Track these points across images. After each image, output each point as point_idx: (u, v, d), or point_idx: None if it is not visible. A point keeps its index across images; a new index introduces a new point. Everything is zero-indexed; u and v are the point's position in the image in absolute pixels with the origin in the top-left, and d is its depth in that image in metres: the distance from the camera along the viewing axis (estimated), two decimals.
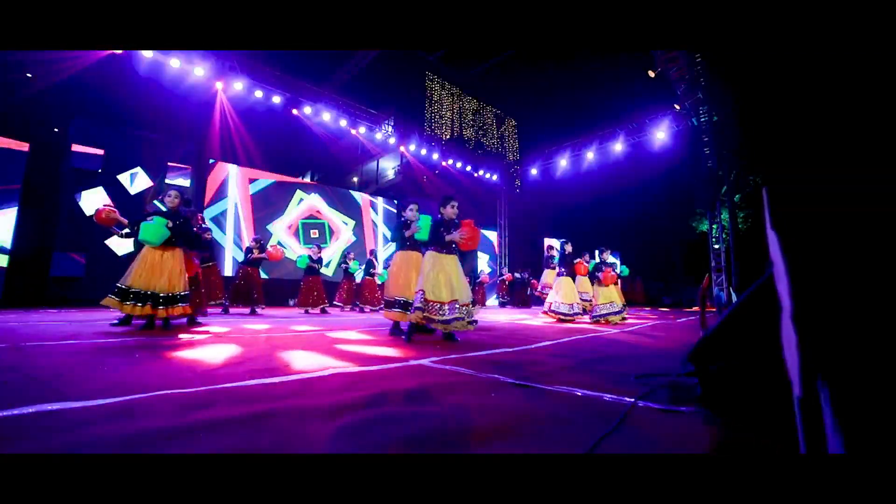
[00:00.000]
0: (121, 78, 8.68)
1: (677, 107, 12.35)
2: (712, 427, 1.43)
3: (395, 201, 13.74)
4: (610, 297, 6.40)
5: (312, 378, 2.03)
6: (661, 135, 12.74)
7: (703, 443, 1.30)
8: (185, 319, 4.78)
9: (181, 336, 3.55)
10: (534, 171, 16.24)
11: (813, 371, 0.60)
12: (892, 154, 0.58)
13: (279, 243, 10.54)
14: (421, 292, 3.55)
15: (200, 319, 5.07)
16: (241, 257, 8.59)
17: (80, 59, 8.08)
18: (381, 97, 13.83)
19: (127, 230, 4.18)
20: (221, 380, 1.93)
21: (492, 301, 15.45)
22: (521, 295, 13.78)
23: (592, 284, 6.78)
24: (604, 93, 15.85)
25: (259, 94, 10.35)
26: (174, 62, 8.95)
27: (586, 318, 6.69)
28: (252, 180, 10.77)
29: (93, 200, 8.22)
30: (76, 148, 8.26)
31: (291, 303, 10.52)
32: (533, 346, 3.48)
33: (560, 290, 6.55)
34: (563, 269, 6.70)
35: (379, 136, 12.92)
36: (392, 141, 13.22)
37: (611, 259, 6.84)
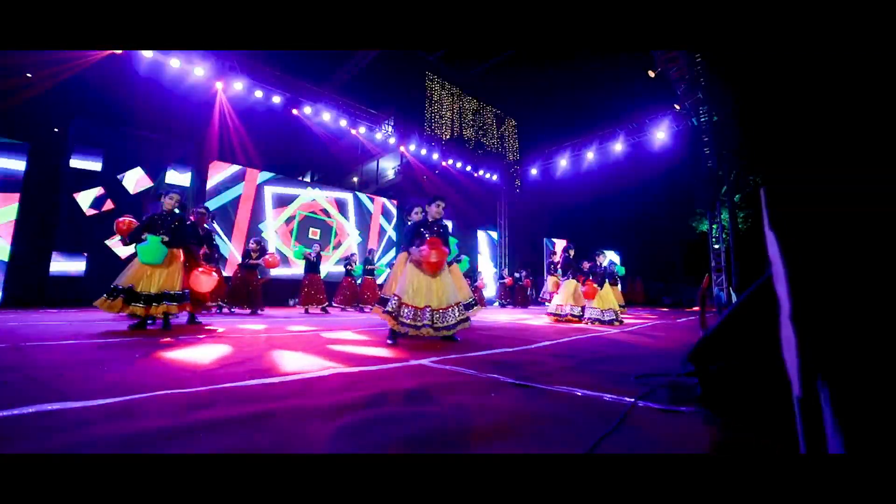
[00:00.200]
0: (121, 78, 8.69)
1: (677, 107, 12.35)
2: (712, 427, 1.43)
3: (394, 202, 13.75)
4: (609, 301, 6.37)
5: (312, 378, 2.03)
6: (661, 135, 12.74)
7: (703, 443, 1.30)
8: (185, 319, 4.79)
9: (180, 336, 3.55)
10: (534, 171, 16.24)
11: (812, 371, 0.60)
12: (891, 154, 0.58)
13: (277, 250, 10.53)
14: (395, 296, 3.45)
15: (200, 319, 5.08)
16: (239, 257, 8.58)
17: (81, 60, 8.09)
18: (381, 97, 13.85)
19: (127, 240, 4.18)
20: (221, 380, 1.93)
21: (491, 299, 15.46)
22: (521, 295, 13.78)
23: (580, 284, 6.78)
24: (604, 93, 15.87)
25: (259, 94, 10.36)
26: (174, 62, 8.95)
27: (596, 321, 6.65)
28: (252, 180, 10.76)
29: (88, 199, 8.23)
30: (76, 148, 8.26)
31: (292, 302, 10.51)
32: (533, 346, 3.48)
33: (565, 292, 6.65)
34: (569, 273, 6.75)
35: (379, 136, 12.93)
36: (392, 141, 13.22)
37: (607, 261, 6.83)
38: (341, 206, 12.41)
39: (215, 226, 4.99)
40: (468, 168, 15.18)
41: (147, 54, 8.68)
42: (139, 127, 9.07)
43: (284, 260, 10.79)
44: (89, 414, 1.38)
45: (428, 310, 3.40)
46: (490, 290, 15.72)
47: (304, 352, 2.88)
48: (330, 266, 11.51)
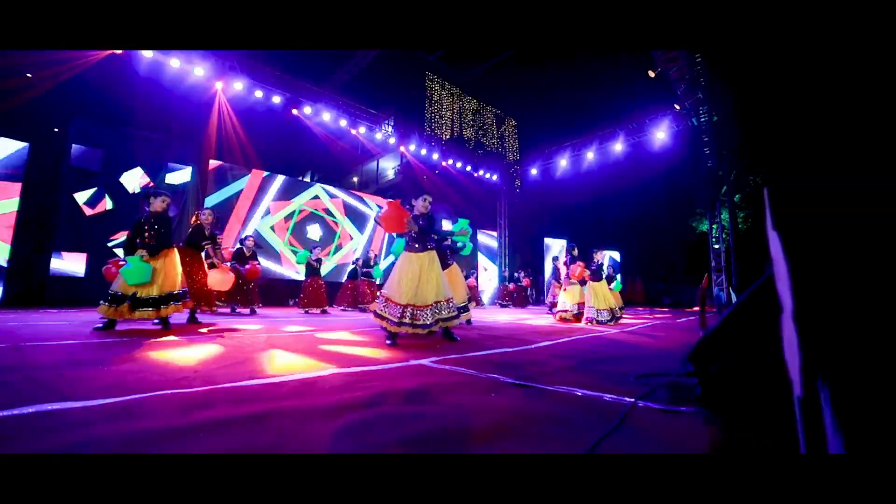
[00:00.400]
0: (121, 78, 8.68)
1: (677, 107, 12.35)
2: (712, 427, 1.43)
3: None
4: (606, 300, 6.37)
5: (312, 378, 2.03)
6: (661, 135, 12.74)
7: (703, 443, 1.30)
8: (184, 319, 4.80)
9: (180, 336, 3.55)
10: (534, 171, 16.24)
11: (813, 371, 0.60)
12: (893, 154, 0.58)
13: (270, 246, 10.52)
14: (382, 296, 3.47)
15: (200, 318, 5.08)
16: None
17: (81, 60, 8.08)
18: (381, 97, 13.84)
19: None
20: (221, 380, 1.93)
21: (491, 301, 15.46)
22: (520, 296, 13.77)
23: (583, 286, 6.79)
24: (604, 93, 15.86)
25: (259, 94, 10.35)
26: (174, 62, 8.94)
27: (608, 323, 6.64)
28: (252, 179, 10.76)
29: (85, 198, 8.23)
30: (76, 148, 8.26)
31: (291, 302, 10.51)
32: (533, 346, 3.48)
33: (569, 293, 6.69)
34: (569, 274, 6.78)
35: (379, 136, 12.93)
36: (392, 141, 13.22)
37: (606, 261, 6.83)
38: (342, 205, 12.41)
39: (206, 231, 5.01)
40: (468, 168, 15.17)
41: (147, 54, 8.68)
42: (139, 127, 9.06)
43: (277, 259, 10.78)
44: (89, 414, 1.38)
45: (410, 307, 3.39)
46: (489, 290, 15.72)
47: (304, 352, 2.88)
48: (329, 267, 11.51)
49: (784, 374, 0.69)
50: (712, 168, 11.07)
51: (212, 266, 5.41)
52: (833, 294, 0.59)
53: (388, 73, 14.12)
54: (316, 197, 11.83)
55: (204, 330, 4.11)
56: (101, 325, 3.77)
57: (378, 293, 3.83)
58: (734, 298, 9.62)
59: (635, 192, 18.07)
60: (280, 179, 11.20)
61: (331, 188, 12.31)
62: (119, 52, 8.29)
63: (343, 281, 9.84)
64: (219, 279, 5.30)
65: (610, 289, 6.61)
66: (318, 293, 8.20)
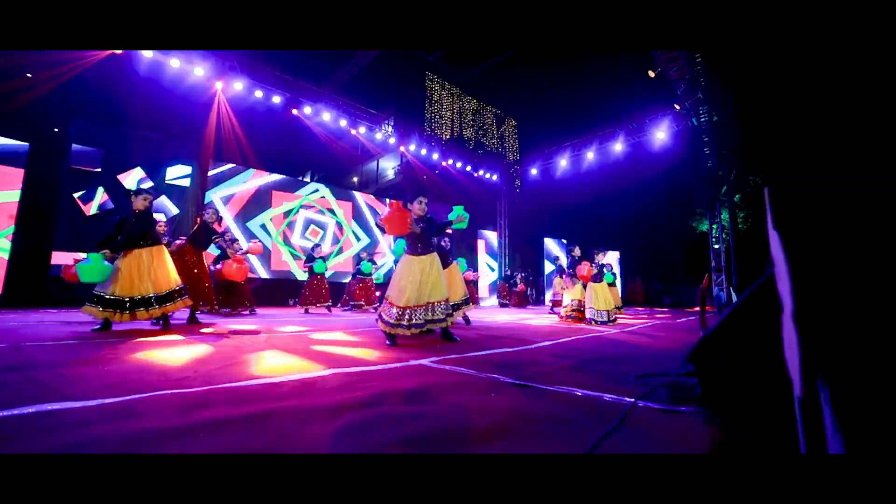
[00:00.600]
0: (121, 78, 8.68)
1: (677, 107, 12.34)
2: (712, 427, 1.43)
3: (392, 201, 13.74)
4: (605, 301, 6.37)
5: (312, 378, 2.03)
6: (661, 135, 12.73)
7: (703, 443, 1.30)
8: (185, 319, 4.80)
9: (180, 335, 3.55)
10: (534, 171, 16.23)
11: (813, 371, 0.60)
12: (892, 154, 0.58)
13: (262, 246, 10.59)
14: (388, 303, 3.47)
15: (200, 319, 5.08)
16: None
17: (81, 61, 8.08)
18: (381, 97, 13.82)
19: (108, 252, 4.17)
20: (221, 380, 1.93)
21: (491, 301, 15.45)
22: (518, 296, 13.76)
23: (585, 287, 6.78)
24: (604, 93, 15.84)
25: (259, 94, 10.35)
26: (174, 62, 8.94)
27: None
28: (252, 179, 10.76)
29: (86, 198, 8.24)
30: (76, 148, 8.26)
31: (291, 302, 10.51)
32: (533, 346, 3.48)
33: (570, 292, 6.70)
34: (572, 272, 6.78)
35: (379, 136, 12.92)
36: (392, 141, 13.21)
37: (605, 260, 6.83)
38: (342, 207, 12.41)
39: (216, 227, 5.02)
40: (468, 168, 15.17)
41: (147, 54, 8.67)
42: (139, 127, 9.06)
43: (266, 258, 10.77)
44: (89, 414, 1.38)
45: (408, 309, 3.40)
46: (487, 290, 15.71)
47: (303, 352, 2.88)
48: (331, 269, 11.51)
49: (784, 374, 0.69)
50: (712, 168, 11.06)
51: (225, 257, 5.45)
52: (833, 294, 0.59)
53: (388, 73, 14.11)
54: (313, 199, 11.83)
55: (204, 330, 4.11)
56: (98, 325, 3.77)
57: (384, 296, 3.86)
58: (734, 298, 9.62)
59: (635, 192, 18.06)
60: (280, 179, 11.20)
61: (327, 191, 12.31)
62: (119, 52, 8.29)
63: (345, 281, 9.86)
64: (235, 269, 5.36)
65: (601, 282, 6.60)
66: (319, 291, 8.20)
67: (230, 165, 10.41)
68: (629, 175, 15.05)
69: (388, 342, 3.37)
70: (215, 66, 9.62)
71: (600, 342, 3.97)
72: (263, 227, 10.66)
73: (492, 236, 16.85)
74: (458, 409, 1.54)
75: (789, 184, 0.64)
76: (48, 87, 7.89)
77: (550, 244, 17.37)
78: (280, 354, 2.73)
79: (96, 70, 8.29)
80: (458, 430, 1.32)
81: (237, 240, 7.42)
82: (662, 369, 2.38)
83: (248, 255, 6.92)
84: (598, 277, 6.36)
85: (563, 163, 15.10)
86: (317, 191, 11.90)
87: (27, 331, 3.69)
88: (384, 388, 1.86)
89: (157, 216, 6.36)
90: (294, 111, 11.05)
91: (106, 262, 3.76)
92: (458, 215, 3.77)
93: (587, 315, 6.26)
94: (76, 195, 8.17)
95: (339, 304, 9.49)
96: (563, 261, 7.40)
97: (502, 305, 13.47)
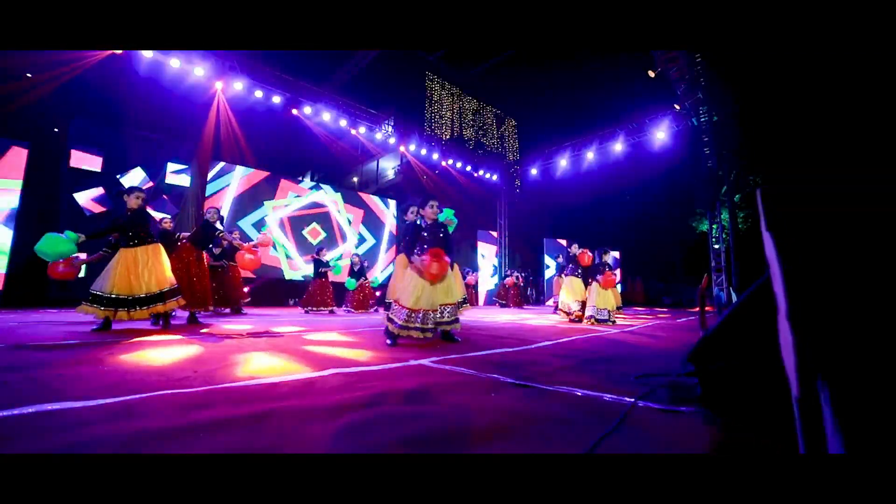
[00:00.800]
0: (121, 78, 8.68)
1: (677, 107, 12.34)
2: (712, 427, 1.43)
3: (395, 201, 13.75)
4: (606, 300, 6.38)
5: (312, 378, 2.03)
6: (661, 135, 12.73)
7: (703, 443, 1.30)
8: (185, 319, 4.80)
9: (180, 336, 3.55)
10: (534, 171, 16.23)
11: (812, 371, 0.60)
12: (888, 154, 0.59)
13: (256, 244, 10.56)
14: (398, 304, 3.45)
15: (200, 318, 5.08)
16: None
17: (81, 62, 8.08)
18: (381, 97, 13.82)
19: (106, 249, 4.16)
20: (221, 380, 1.93)
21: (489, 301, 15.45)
22: (516, 296, 13.74)
23: (587, 285, 6.77)
24: (604, 93, 15.84)
25: (259, 94, 10.35)
26: (174, 62, 8.94)
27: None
28: (252, 179, 10.76)
29: (86, 198, 8.24)
30: (76, 148, 8.26)
31: (291, 302, 10.51)
32: (533, 346, 3.48)
33: (570, 290, 6.66)
34: (570, 269, 6.76)
35: (379, 136, 12.92)
36: (392, 141, 13.21)
37: (610, 259, 6.83)
38: (343, 206, 12.41)
39: (218, 225, 5.03)
40: (468, 168, 15.17)
41: (147, 54, 8.67)
42: (139, 127, 9.06)
43: (278, 259, 10.78)
44: (89, 414, 1.38)
45: (421, 312, 3.41)
46: (486, 290, 15.71)
47: (304, 352, 2.88)
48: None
49: (784, 374, 0.69)
50: (712, 168, 11.06)
51: (235, 250, 5.50)
52: (828, 293, 0.59)
53: (388, 73, 14.11)
54: (313, 199, 11.83)
55: (204, 330, 4.11)
56: (98, 325, 3.76)
57: (389, 296, 3.87)
58: (734, 298, 9.62)
59: (635, 192, 18.07)
60: (280, 179, 11.20)
61: (327, 191, 12.31)
62: (119, 52, 8.29)
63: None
64: (248, 260, 5.41)
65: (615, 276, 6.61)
66: (323, 293, 8.19)
67: (230, 165, 10.41)
68: (629, 175, 15.05)
69: (388, 342, 3.37)
70: (215, 66, 9.62)
71: (600, 342, 3.97)
72: (255, 225, 10.64)
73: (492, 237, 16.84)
74: (458, 409, 1.54)
75: (781, 184, 0.64)
76: (48, 87, 7.89)
77: (554, 245, 17.36)
78: (280, 354, 2.73)
79: (96, 70, 8.29)
80: (458, 430, 1.32)
81: (238, 237, 7.46)
82: (662, 369, 2.38)
83: (259, 247, 6.94)
84: (597, 273, 6.36)
85: (563, 163, 15.10)
86: (317, 190, 11.89)
87: (27, 331, 3.69)
88: (384, 388, 1.86)
89: (164, 215, 6.38)
90: (294, 111, 11.06)
91: (68, 241, 3.67)
92: (447, 218, 3.79)
93: (588, 313, 6.26)
94: (76, 195, 8.17)
95: (343, 305, 9.45)
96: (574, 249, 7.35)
97: (501, 306, 13.46)
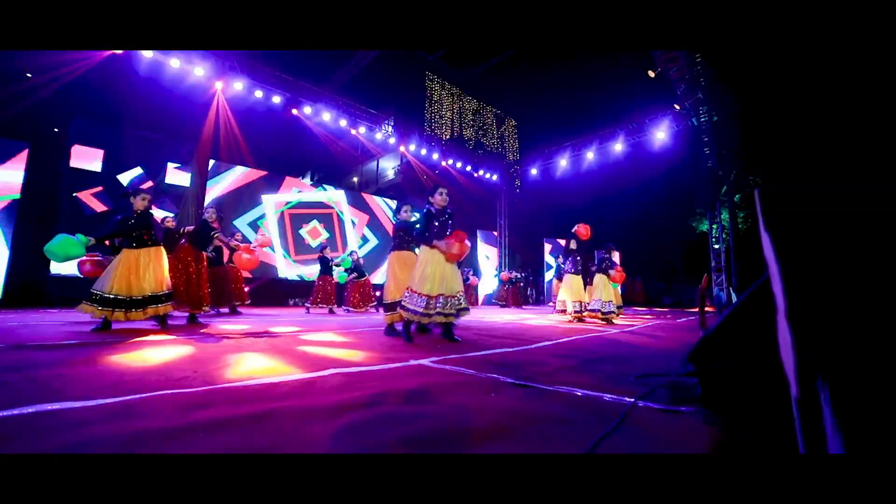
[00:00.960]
0: (121, 78, 8.69)
1: (677, 107, 12.34)
2: (712, 427, 1.43)
3: (395, 201, 13.77)
4: (611, 294, 6.39)
5: (312, 378, 2.03)
6: (661, 135, 12.74)
7: (703, 443, 1.30)
8: (185, 319, 4.80)
9: (179, 336, 3.55)
10: (534, 171, 16.24)
11: (811, 371, 0.60)
12: (887, 154, 0.59)
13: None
14: (414, 293, 3.48)
15: (200, 318, 5.08)
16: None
17: (81, 62, 8.09)
18: (381, 97, 13.84)
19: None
20: (221, 380, 1.93)
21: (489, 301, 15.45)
22: (515, 296, 13.75)
23: (587, 284, 6.76)
24: (604, 93, 15.86)
25: (259, 94, 10.35)
26: (174, 62, 8.94)
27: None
28: (252, 179, 10.75)
29: (87, 199, 8.24)
30: (76, 148, 8.26)
31: (291, 302, 10.52)
32: (533, 346, 3.48)
33: (569, 289, 6.64)
34: (570, 268, 6.73)
35: (379, 136, 12.93)
36: (392, 141, 13.22)
37: (616, 258, 6.85)
38: (344, 206, 12.41)
39: (215, 225, 5.05)
40: (468, 168, 15.17)
41: (147, 54, 8.67)
42: (139, 127, 9.06)
43: (277, 259, 10.77)
44: (89, 414, 1.38)
45: (441, 297, 3.47)
46: (489, 291, 15.70)
47: (303, 352, 2.88)
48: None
49: (783, 374, 0.69)
50: (712, 168, 11.07)
51: (231, 251, 5.50)
52: (826, 293, 0.59)
53: (388, 73, 14.12)
54: (313, 199, 11.83)
55: (204, 330, 4.11)
56: (97, 325, 3.77)
57: (388, 296, 3.94)
58: (734, 298, 9.62)
59: (635, 192, 18.08)
60: (280, 179, 11.20)
61: (327, 191, 12.31)
62: (119, 52, 8.29)
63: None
64: (246, 260, 5.42)
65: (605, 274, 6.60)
66: (326, 292, 8.20)
67: (230, 164, 10.41)
68: (629, 175, 15.06)
69: (404, 339, 3.37)
70: (215, 66, 9.62)
71: (600, 342, 3.97)
72: (250, 224, 10.64)
73: (492, 250, 16.83)
74: (458, 409, 1.54)
75: (779, 184, 0.64)
76: (48, 87, 7.89)
77: (554, 245, 17.36)
78: (279, 355, 2.73)
79: (96, 70, 8.29)
80: (458, 430, 1.32)
81: (241, 238, 7.47)
82: (662, 369, 2.38)
83: (258, 247, 6.96)
84: (603, 270, 6.36)
85: (563, 163, 15.11)
86: (313, 199, 11.88)
87: (27, 331, 3.69)
88: (384, 388, 1.86)
89: (167, 213, 6.38)
90: (294, 111, 11.06)
91: (79, 244, 3.72)
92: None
93: (593, 307, 6.24)
94: (77, 195, 8.17)
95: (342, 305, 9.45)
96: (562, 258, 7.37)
97: (502, 306, 13.47)
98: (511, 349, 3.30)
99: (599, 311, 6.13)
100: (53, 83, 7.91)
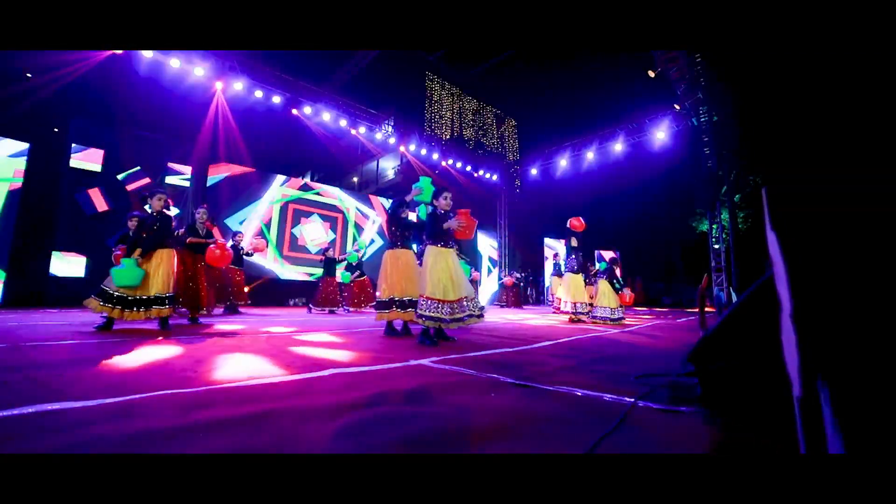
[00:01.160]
0: (121, 78, 8.68)
1: (677, 107, 12.35)
2: (712, 427, 1.43)
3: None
4: (615, 300, 6.38)
5: (312, 378, 2.03)
6: (661, 135, 12.74)
7: (703, 443, 1.30)
8: (186, 320, 4.80)
9: (179, 336, 3.55)
10: (534, 171, 16.24)
11: (813, 371, 0.60)
12: (891, 154, 0.58)
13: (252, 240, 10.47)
14: (425, 299, 3.42)
15: (202, 320, 5.08)
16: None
17: (81, 62, 8.08)
18: (381, 97, 13.83)
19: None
20: (221, 380, 1.93)
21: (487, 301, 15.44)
22: (515, 296, 13.73)
23: (587, 285, 6.76)
24: (604, 93, 15.85)
25: (259, 94, 10.35)
26: (174, 62, 8.94)
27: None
28: (252, 179, 10.75)
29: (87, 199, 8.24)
30: (76, 148, 8.26)
31: (291, 302, 10.51)
32: (533, 346, 3.48)
33: (569, 288, 6.65)
34: (570, 263, 6.74)
35: (379, 136, 12.92)
36: (392, 141, 13.21)
37: (608, 258, 6.83)
38: (343, 206, 12.41)
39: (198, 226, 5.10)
40: (468, 168, 15.17)
41: (147, 54, 8.67)
42: (139, 127, 9.06)
43: (276, 259, 10.77)
44: (89, 414, 1.38)
45: (464, 300, 3.47)
46: (489, 291, 15.71)
47: (303, 352, 2.88)
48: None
49: (784, 374, 0.69)
50: (712, 168, 11.07)
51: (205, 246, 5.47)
52: (832, 294, 0.59)
53: (388, 73, 14.11)
54: (313, 199, 11.83)
55: (204, 331, 4.11)
56: (100, 323, 3.77)
57: (381, 293, 3.93)
58: (734, 298, 9.62)
59: (635, 192, 18.06)
60: (280, 179, 11.20)
61: (327, 191, 12.30)
62: (119, 52, 8.29)
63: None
64: (217, 255, 5.38)
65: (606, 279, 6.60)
66: (329, 293, 8.19)
67: (229, 165, 10.41)
68: (629, 175, 15.05)
69: (426, 342, 3.32)
70: (215, 66, 9.62)
71: (600, 342, 3.97)
72: (245, 223, 10.63)
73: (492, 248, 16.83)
74: (458, 409, 1.54)
75: (787, 184, 0.64)
76: (48, 87, 7.89)
77: (555, 244, 17.35)
78: (279, 355, 2.73)
79: (96, 70, 8.29)
80: (458, 430, 1.32)
81: (242, 239, 7.50)
82: (662, 369, 2.38)
83: (253, 252, 6.99)
84: (608, 274, 6.36)
85: (562, 163, 15.10)
86: (313, 199, 11.87)
87: (27, 331, 3.69)
88: (384, 388, 1.86)
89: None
90: (294, 111, 11.06)
91: (138, 267, 3.80)
92: (416, 187, 3.86)
93: (602, 314, 6.24)
94: (76, 195, 8.17)
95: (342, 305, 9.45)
96: (562, 253, 7.37)
97: (502, 306, 13.46)
98: (511, 349, 3.29)
99: (609, 318, 6.14)
100: (53, 83, 7.91)
